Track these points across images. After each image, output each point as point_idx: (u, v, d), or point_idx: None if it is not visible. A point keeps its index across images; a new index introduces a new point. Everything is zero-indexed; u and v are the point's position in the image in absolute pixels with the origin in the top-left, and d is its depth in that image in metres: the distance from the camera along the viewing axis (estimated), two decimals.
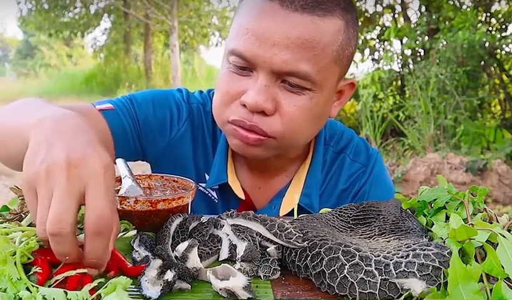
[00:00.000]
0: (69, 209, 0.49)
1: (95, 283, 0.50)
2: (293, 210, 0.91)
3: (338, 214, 0.75)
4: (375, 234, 0.67)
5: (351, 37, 0.83)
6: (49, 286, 0.52)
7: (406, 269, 0.53)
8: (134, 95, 1.00)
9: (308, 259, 0.59)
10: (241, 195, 0.95)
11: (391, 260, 0.55)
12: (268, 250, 0.62)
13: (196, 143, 0.98)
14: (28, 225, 0.65)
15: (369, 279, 0.53)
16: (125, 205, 0.69)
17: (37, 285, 0.50)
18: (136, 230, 0.67)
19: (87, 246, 0.50)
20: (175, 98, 0.99)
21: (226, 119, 0.83)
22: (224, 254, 0.65)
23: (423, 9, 6.03)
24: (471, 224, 0.60)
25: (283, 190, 0.96)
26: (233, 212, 0.68)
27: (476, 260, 0.55)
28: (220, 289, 0.54)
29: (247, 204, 0.97)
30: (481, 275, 0.52)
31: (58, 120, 0.58)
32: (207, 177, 0.98)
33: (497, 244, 0.55)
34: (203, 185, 0.98)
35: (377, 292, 0.53)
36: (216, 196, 0.98)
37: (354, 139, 1.03)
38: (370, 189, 0.99)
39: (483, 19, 5.68)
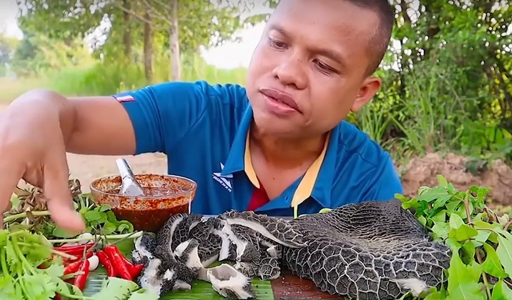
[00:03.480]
0: None
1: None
2: (304, 201, 0.94)
3: (338, 214, 0.75)
4: (375, 234, 0.67)
5: (383, 36, 0.87)
6: None
7: (406, 269, 0.53)
8: (153, 87, 1.02)
9: (308, 259, 0.59)
10: (256, 184, 0.97)
11: (391, 260, 0.54)
12: (268, 250, 0.62)
13: (214, 133, 1.01)
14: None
15: (369, 279, 0.53)
16: (125, 205, 0.70)
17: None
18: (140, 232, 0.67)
19: None
20: (194, 90, 1.02)
21: (257, 88, 0.85)
22: (224, 254, 0.65)
23: (423, 9, 6.03)
24: (471, 224, 0.60)
25: (296, 183, 0.98)
26: (233, 212, 0.68)
27: (476, 260, 0.55)
28: (220, 289, 0.54)
29: (260, 194, 0.99)
30: (481, 275, 0.52)
31: (15, 105, 0.61)
32: (222, 166, 1.00)
33: (497, 244, 0.55)
34: (218, 174, 1.00)
35: (377, 292, 0.53)
36: (230, 185, 1.00)
37: (366, 141, 1.07)
38: (380, 190, 1.01)
39: (483, 19, 5.68)
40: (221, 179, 1.00)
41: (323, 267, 0.56)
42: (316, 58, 0.82)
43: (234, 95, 1.05)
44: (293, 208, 0.95)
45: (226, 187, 1.00)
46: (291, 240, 0.61)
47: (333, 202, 0.98)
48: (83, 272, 0.54)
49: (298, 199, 0.96)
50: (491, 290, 0.50)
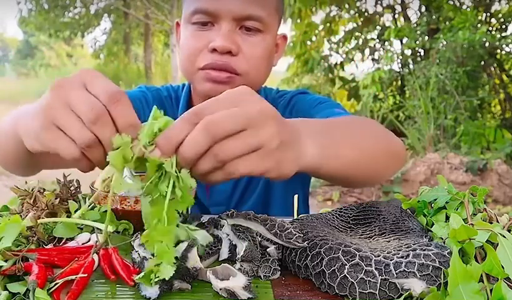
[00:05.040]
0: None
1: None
2: None
3: (338, 214, 0.75)
4: (375, 234, 0.67)
5: None
6: (49, 289, 0.52)
7: (406, 269, 0.53)
8: None
9: (308, 259, 0.59)
10: None
11: (391, 260, 0.54)
12: (268, 250, 0.62)
13: None
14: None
15: (369, 279, 0.53)
16: (125, 205, 0.70)
17: None
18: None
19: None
20: (137, 92, 1.13)
21: (197, 67, 0.95)
22: (224, 254, 0.65)
23: (423, 9, 6.04)
24: (471, 224, 0.60)
25: None
26: (233, 212, 0.68)
27: (476, 260, 0.55)
28: (220, 289, 0.54)
29: None
30: (481, 275, 0.52)
31: None
32: None
33: (497, 244, 0.55)
34: None
35: (377, 292, 0.53)
36: None
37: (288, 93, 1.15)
38: (297, 98, 1.10)
39: (483, 19, 5.68)
40: None
41: (323, 267, 0.56)
42: (243, 24, 0.93)
43: (169, 89, 1.16)
44: None
45: None
46: (291, 240, 0.61)
47: None
48: (86, 275, 0.54)
49: None
50: (491, 290, 0.50)
